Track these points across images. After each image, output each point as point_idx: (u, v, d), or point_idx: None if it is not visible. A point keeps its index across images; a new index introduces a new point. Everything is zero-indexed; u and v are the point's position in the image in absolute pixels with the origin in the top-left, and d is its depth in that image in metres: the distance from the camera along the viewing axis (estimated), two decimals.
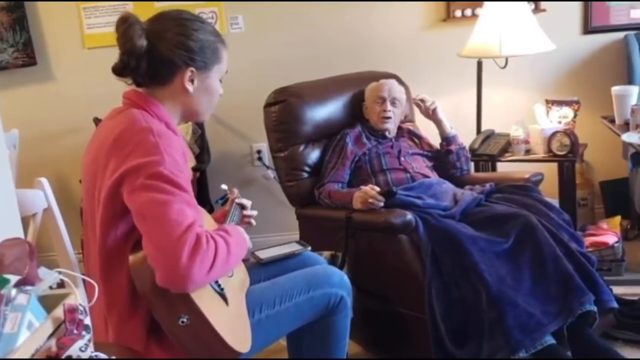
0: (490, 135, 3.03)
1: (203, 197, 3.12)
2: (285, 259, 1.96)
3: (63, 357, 1.08)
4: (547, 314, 2.01)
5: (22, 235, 1.54)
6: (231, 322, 1.52)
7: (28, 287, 1.12)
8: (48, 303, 1.14)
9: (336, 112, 2.74)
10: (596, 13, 3.25)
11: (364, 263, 2.30)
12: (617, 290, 2.37)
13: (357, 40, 3.28)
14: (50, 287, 1.18)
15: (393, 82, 2.71)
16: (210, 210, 2.86)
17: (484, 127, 3.11)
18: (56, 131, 3.33)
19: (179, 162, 1.44)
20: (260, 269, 1.91)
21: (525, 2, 2.98)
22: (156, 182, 1.38)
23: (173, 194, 1.38)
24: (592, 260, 2.22)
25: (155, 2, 3.13)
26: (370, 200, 2.27)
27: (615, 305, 2.14)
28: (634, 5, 3.24)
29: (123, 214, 1.44)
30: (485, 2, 2.96)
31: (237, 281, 1.69)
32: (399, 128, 2.71)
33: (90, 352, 1.11)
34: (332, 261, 2.21)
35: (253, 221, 1.93)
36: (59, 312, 1.13)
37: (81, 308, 1.15)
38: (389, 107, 2.62)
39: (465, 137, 2.97)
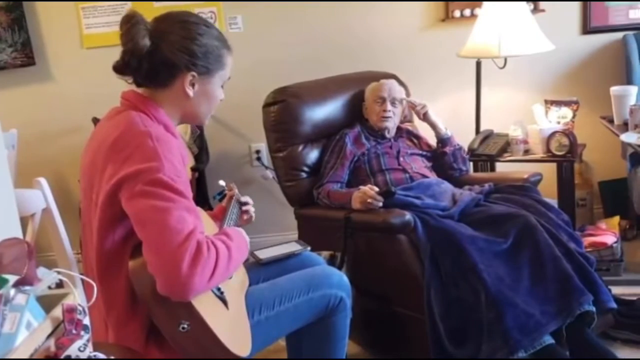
0: (489, 136, 3.03)
1: (202, 197, 3.12)
2: (284, 259, 1.95)
3: (62, 357, 1.08)
4: (546, 314, 2.01)
5: (20, 235, 1.54)
6: (231, 326, 1.51)
7: (27, 287, 1.12)
8: (47, 303, 1.14)
9: (335, 112, 2.74)
10: (595, 13, 3.25)
11: (363, 263, 2.30)
12: (616, 290, 2.37)
13: (356, 40, 3.28)
14: (49, 287, 1.18)
15: (393, 82, 2.72)
16: (209, 210, 2.85)
17: (482, 127, 3.11)
18: (55, 131, 3.33)
19: (178, 167, 1.43)
20: (259, 269, 1.91)
21: (524, 2, 2.98)
22: (155, 189, 1.36)
23: (173, 201, 1.36)
24: (591, 261, 2.22)
25: (154, 2, 3.12)
26: (369, 200, 2.27)
27: (614, 305, 2.14)
28: (633, 5, 3.24)
29: (121, 218, 1.42)
30: (484, 2, 2.96)
31: (236, 282, 1.69)
32: (398, 128, 2.71)
33: (89, 352, 1.11)
34: (330, 261, 2.21)
35: (253, 214, 1.92)
36: (57, 312, 1.13)
37: (80, 308, 1.14)
38: (388, 107, 2.62)
39: (464, 137, 2.98)
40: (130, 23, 1.49)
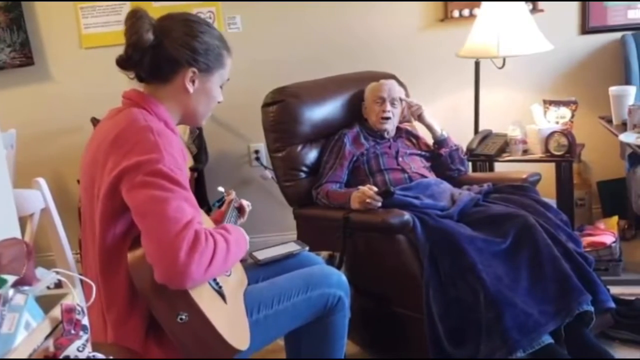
0: (487, 136, 3.03)
1: (201, 198, 3.12)
2: (283, 259, 1.95)
3: (61, 357, 1.08)
4: (544, 313, 2.01)
5: (19, 236, 1.54)
6: (229, 320, 1.52)
7: (25, 288, 1.12)
8: (45, 303, 1.14)
9: (334, 112, 2.74)
10: (594, 13, 3.26)
11: (362, 263, 2.30)
12: (615, 290, 2.37)
13: (355, 40, 3.28)
14: (48, 287, 1.18)
15: (393, 82, 2.72)
16: (208, 211, 2.86)
17: (481, 127, 3.11)
18: (54, 131, 3.33)
19: (178, 160, 1.45)
20: (258, 269, 1.91)
21: (523, 3, 2.98)
22: (155, 179, 1.38)
23: (172, 191, 1.38)
24: (589, 260, 2.22)
25: (153, 2, 3.12)
26: (368, 200, 2.27)
27: (612, 305, 2.15)
28: (632, 5, 3.24)
29: (122, 211, 1.44)
30: (483, 3, 2.96)
31: (235, 280, 1.69)
32: (397, 128, 2.71)
33: (87, 352, 1.11)
34: (329, 261, 2.21)
35: (247, 208, 1.96)
36: (56, 312, 1.13)
37: (79, 308, 1.14)
38: (388, 107, 2.62)
39: (463, 137, 2.98)
40: (135, 17, 1.52)
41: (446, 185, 2.51)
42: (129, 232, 1.46)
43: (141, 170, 1.39)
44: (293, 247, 2.01)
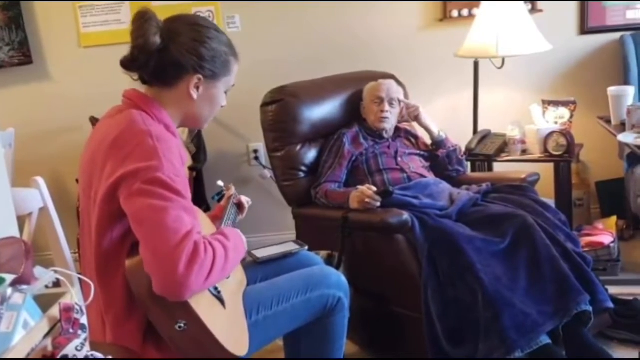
0: (486, 135, 3.03)
1: (200, 197, 3.12)
2: (282, 258, 1.95)
3: (59, 356, 1.07)
4: (543, 313, 2.01)
5: (17, 235, 1.54)
6: (228, 325, 1.51)
7: (24, 287, 1.12)
8: (44, 302, 1.14)
9: (333, 111, 2.74)
10: (592, 14, 3.26)
11: (361, 263, 2.30)
12: (613, 290, 2.37)
13: (354, 40, 3.28)
14: (46, 287, 1.18)
15: (391, 82, 2.72)
16: (207, 210, 2.86)
17: (480, 127, 3.11)
18: (52, 130, 3.33)
19: (177, 166, 1.43)
20: (257, 268, 1.91)
21: (522, 3, 2.98)
22: (154, 188, 1.36)
23: (171, 200, 1.36)
24: (588, 260, 2.22)
25: (153, 2, 3.12)
26: (367, 200, 2.27)
27: (610, 305, 2.15)
28: (630, 6, 3.25)
29: (119, 216, 1.43)
30: (482, 3, 2.96)
31: (234, 282, 1.68)
32: (396, 128, 2.71)
33: (86, 351, 1.11)
34: (328, 261, 2.21)
35: (246, 205, 1.96)
36: (54, 311, 1.13)
37: (77, 307, 1.14)
38: (386, 107, 2.62)
39: (462, 137, 2.98)
40: (143, 19, 1.50)
41: (445, 185, 2.51)
42: (127, 236, 1.44)
43: (139, 178, 1.37)
44: (292, 246, 2.01)
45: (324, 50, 3.28)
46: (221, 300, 1.53)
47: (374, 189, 2.31)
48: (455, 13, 3.25)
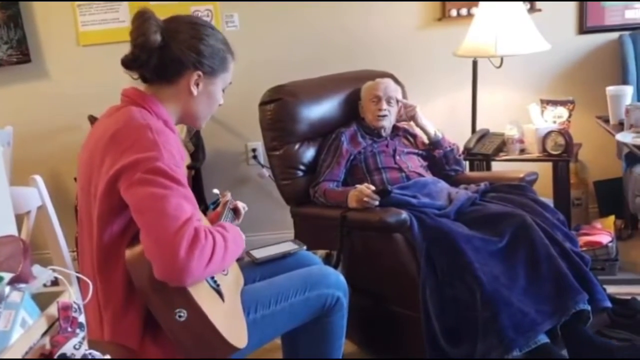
0: (485, 135, 3.03)
1: (198, 196, 3.11)
2: (280, 258, 1.95)
3: (57, 355, 1.07)
4: (541, 313, 2.01)
5: (16, 233, 1.54)
6: (227, 318, 1.52)
7: (22, 285, 1.12)
8: (42, 301, 1.14)
9: (331, 110, 2.74)
10: (591, 13, 3.26)
11: (359, 262, 2.30)
12: (611, 289, 2.38)
13: (352, 39, 3.28)
14: (44, 285, 1.18)
15: (389, 81, 2.72)
16: (204, 211, 2.86)
17: (478, 127, 3.12)
18: (50, 128, 3.32)
19: (177, 158, 1.45)
20: (255, 268, 1.91)
21: (521, 2, 2.99)
22: (154, 177, 1.38)
23: (171, 189, 1.38)
24: (586, 260, 2.22)
25: (151, 1, 3.11)
26: (365, 198, 2.27)
27: (608, 304, 2.15)
28: (629, 5, 3.25)
29: (120, 210, 1.44)
30: (481, 2, 2.97)
31: (231, 279, 1.69)
32: (395, 127, 2.71)
33: (84, 350, 1.11)
34: (326, 260, 2.21)
35: (242, 211, 1.96)
36: (52, 309, 1.13)
37: (75, 306, 1.14)
38: (384, 105, 2.62)
39: (460, 136, 2.98)
40: (142, 18, 1.53)
41: (443, 184, 2.51)
42: (127, 230, 1.46)
43: (139, 168, 1.38)
44: (290, 246, 2.01)
45: (323, 49, 3.28)
46: (220, 294, 1.54)
47: (373, 187, 2.31)
48: (454, 12, 3.25)
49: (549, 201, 2.60)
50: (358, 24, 3.28)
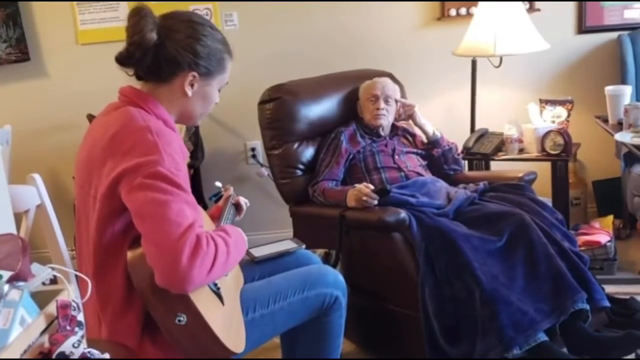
0: (484, 134, 3.03)
1: (197, 195, 3.10)
2: (279, 256, 1.95)
3: (56, 353, 1.07)
4: (540, 311, 2.02)
5: (14, 232, 1.54)
6: (227, 322, 1.52)
7: (20, 283, 1.12)
8: (41, 299, 1.14)
9: (331, 110, 2.74)
10: (590, 13, 3.26)
11: (358, 261, 2.30)
12: (609, 289, 2.38)
13: (351, 39, 3.28)
14: (43, 283, 1.18)
15: (386, 80, 2.72)
16: (204, 208, 2.85)
17: (477, 126, 3.12)
18: (49, 127, 3.32)
19: (178, 160, 1.43)
20: (254, 266, 1.91)
21: (520, 2, 2.99)
22: (155, 182, 1.36)
23: (172, 194, 1.36)
24: (584, 259, 2.23)
25: (150, 0, 3.11)
26: (364, 198, 2.28)
27: (607, 304, 2.15)
28: (628, 5, 3.25)
29: (121, 211, 1.43)
30: (480, 2, 2.97)
31: (231, 280, 1.68)
32: (394, 127, 2.71)
33: (83, 348, 1.11)
34: (325, 259, 2.21)
35: (244, 206, 1.95)
36: (51, 308, 1.13)
37: (74, 304, 1.14)
38: (382, 105, 2.62)
39: (459, 135, 2.98)
40: (139, 15, 1.49)
41: (442, 184, 2.51)
42: (128, 231, 1.45)
43: (140, 172, 1.37)
44: (289, 245, 2.01)
45: (322, 48, 3.28)
46: (220, 297, 1.53)
47: (372, 187, 2.31)
48: (453, 12, 3.25)
49: (547, 201, 2.61)
50: (357, 23, 3.28)
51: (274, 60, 3.26)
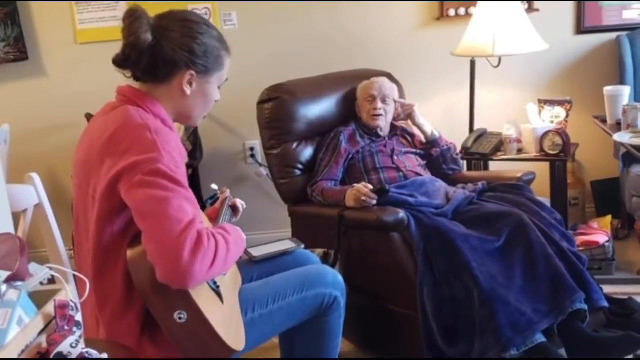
0: (482, 134, 3.04)
1: (195, 195, 3.10)
2: (278, 256, 1.95)
3: (53, 353, 1.07)
4: (538, 312, 2.02)
5: (12, 231, 1.53)
6: (226, 319, 1.51)
7: (18, 283, 1.12)
8: (39, 299, 1.13)
9: (329, 109, 2.74)
10: (589, 13, 3.26)
11: (356, 261, 2.30)
12: (608, 289, 2.38)
13: (351, 39, 3.28)
14: (41, 283, 1.18)
15: (384, 80, 2.72)
16: (202, 209, 2.85)
17: (476, 126, 3.12)
18: (48, 126, 3.32)
19: (176, 158, 1.43)
20: (252, 266, 1.91)
21: (519, 2, 2.99)
22: (155, 179, 1.36)
23: (172, 191, 1.37)
24: (582, 260, 2.23)
25: (148, 0, 3.10)
26: (363, 197, 2.28)
27: (605, 304, 2.15)
28: (626, 6, 3.25)
29: (120, 210, 1.43)
30: (479, 2, 2.97)
31: (230, 280, 1.68)
32: (393, 127, 2.71)
33: (81, 348, 1.11)
34: (324, 259, 2.21)
35: (241, 208, 1.95)
36: (49, 308, 1.13)
37: (72, 304, 1.14)
38: (379, 104, 2.62)
39: (458, 135, 2.98)
40: (133, 17, 1.49)
41: (441, 184, 2.51)
42: (128, 229, 1.45)
43: (140, 170, 1.37)
44: (288, 244, 2.01)
45: (321, 48, 3.28)
46: (220, 295, 1.53)
47: (370, 187, 2.31)
48: (452, 12, 3.25)
49: (546, 201, 2.61)
50: (356, 23, 3.28)
51: (273, 60, 3.25)
